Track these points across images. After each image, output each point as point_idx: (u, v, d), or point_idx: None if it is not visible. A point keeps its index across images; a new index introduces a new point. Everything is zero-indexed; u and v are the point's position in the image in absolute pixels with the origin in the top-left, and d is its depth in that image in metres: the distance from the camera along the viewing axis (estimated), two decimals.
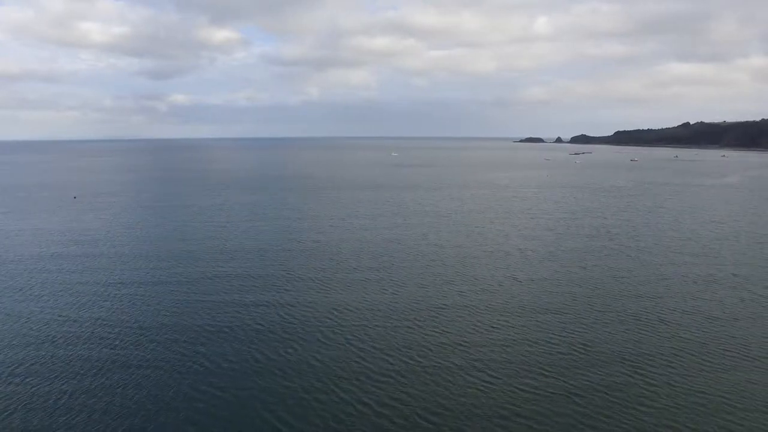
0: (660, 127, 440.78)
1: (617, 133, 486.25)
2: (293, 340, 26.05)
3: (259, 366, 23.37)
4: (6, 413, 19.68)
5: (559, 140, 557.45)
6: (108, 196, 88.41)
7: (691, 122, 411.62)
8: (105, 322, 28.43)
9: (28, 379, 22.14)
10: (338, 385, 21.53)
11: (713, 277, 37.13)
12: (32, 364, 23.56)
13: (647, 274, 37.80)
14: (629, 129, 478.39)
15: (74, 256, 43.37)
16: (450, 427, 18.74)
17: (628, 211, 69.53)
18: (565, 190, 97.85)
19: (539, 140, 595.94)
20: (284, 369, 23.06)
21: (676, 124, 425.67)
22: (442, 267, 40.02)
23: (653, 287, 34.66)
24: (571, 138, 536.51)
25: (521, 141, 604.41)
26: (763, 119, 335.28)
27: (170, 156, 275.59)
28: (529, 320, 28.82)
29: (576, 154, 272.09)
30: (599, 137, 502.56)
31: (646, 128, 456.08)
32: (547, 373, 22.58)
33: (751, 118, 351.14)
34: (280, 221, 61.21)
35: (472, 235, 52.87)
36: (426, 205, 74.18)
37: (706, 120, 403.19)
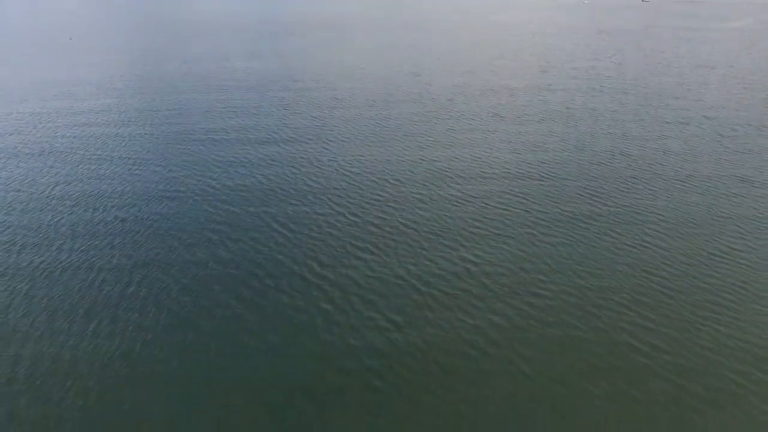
0: None
1: None
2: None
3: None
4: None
5: None
6: (103, 37, 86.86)
7: None
8: (111, 177, 30.92)
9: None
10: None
11: (687, 117, 39.16)
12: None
13: (625, 113, 39.82)
14: None
15: (77, 112, 44.74)
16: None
17: (622, 53, 69.39)
18: (565, 32, 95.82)
19: None
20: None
21: None
22: (432, 104, 41.84)
23: (627, 125, 36.87)
24: None
25: None
26: None
27: None
28: (504, 154, 31.38)
29: None
30: None
31: None
32: (508, 206, 25.40)
33: None
34: (273, 61, 61.61)
35: (463, 74, 53.83)
36: (417, 46, 73.67)
37: None
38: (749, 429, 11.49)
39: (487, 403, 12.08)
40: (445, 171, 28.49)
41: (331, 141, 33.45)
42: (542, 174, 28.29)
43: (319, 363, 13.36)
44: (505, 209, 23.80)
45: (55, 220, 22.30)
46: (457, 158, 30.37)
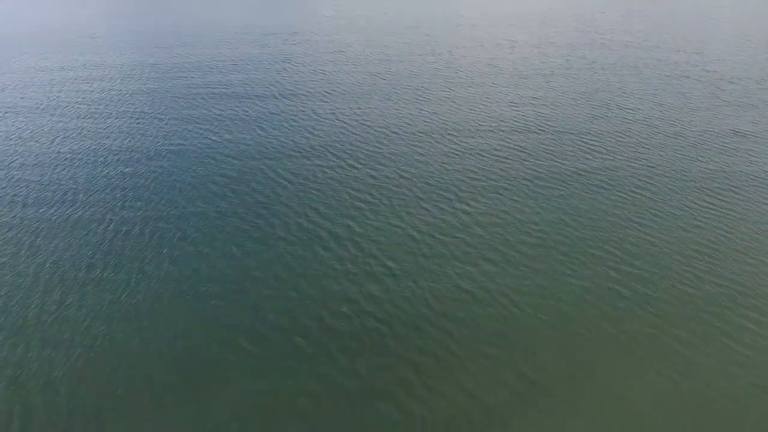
0: None
1: None
2: (290, 120, 28.94)
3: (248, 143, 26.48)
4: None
5: None
6: None
7: None
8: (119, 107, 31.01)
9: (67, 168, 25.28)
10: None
11: (687, 71, 38.98)
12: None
13: (624, 67, 39.62)
14: None
15: (75, 67, 44.38)
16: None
17: (626, 5, 68.31)
18: None
19: None
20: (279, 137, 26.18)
21: None
22: (432, 56, 41.59)
23: (626, 79, 36.77)
24: None
25: None
26: None
27: None
28: (502, 107, 31.47)
29: None
30: None
31: None
32: (504, 158, 25.68)
33: None
34: (274, 14, 60.74)
35: (464, 26, 53.27)
36: None
37: None
38: (725, 368, 12.14)
39: (478, 344, 12.71)
40: (443, 124, 28.64)
41: (329, 93, 33.50)
42: (539, 127, 28.45)
43: (317, 306, 13.95)
44: (501, 161, 24.08)
45: (57, 174, 22.62)
46: (455, 111, 30.48)
